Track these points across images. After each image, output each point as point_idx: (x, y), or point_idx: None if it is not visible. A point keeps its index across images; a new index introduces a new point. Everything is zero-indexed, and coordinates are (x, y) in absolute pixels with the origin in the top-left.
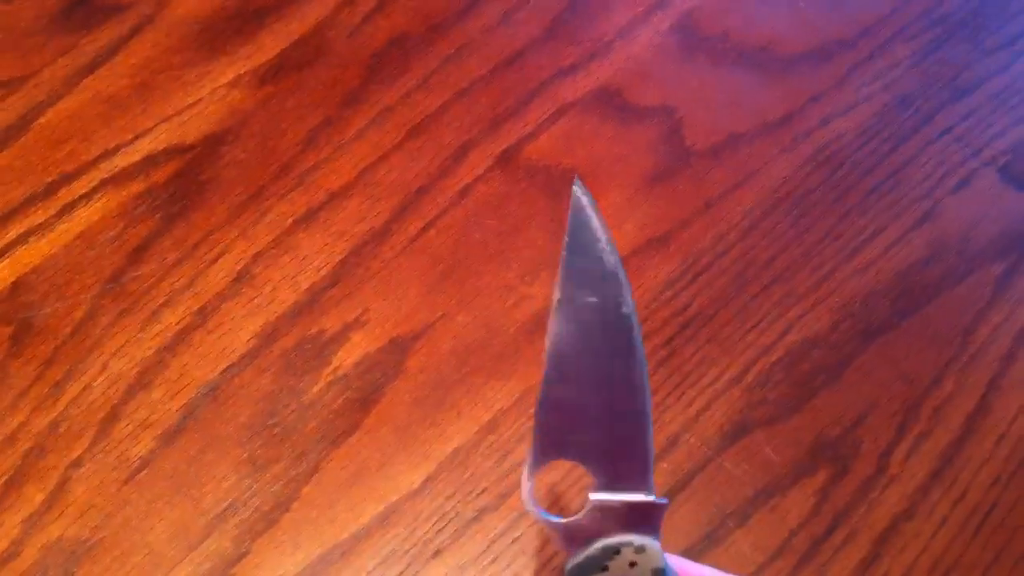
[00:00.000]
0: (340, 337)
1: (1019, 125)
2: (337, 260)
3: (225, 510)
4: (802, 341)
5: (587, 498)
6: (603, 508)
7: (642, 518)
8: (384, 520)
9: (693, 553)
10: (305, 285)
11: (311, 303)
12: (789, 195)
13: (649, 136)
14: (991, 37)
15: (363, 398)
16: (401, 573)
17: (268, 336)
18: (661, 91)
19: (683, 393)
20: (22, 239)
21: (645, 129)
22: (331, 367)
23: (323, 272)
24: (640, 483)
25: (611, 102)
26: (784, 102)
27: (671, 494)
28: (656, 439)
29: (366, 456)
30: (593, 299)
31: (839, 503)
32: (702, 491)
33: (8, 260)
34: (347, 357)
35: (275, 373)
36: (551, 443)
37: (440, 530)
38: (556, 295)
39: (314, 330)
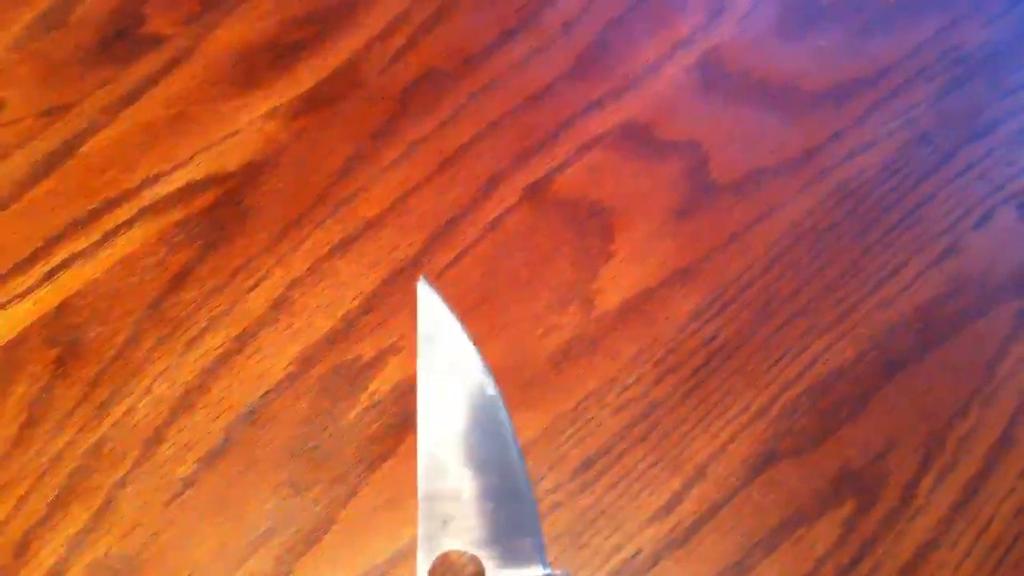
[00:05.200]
0: (376, 363)
1: None
2: (372, 288)
3: (266, 531)
4: (827, 373)
5: None
6: None
7: None
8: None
9: None
10: (341, 312)
11: (347, 330)
12: (812, 229)
13: (674, 171)
14: (1010, 77)
15: (399, 423)
16: None
17: (306, 362)
18: (686, 127)
19: (710, 424)
20: (66, 264)
21: (670, 164)
22: (367, 392)
23: (358, 300)
24: (533, 558)
25: (637, 137)
26: (807, 138)
27: (699, 524)
28: (683, 469)
29: (402, 480)
30: (457, 387)
31: (865, 533)
32: (729, 521)
33: (53, 284)
34: (383, 383)
35: (313, 398)
36: (436, 533)
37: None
38: (418, 388)
39: (350, 356)
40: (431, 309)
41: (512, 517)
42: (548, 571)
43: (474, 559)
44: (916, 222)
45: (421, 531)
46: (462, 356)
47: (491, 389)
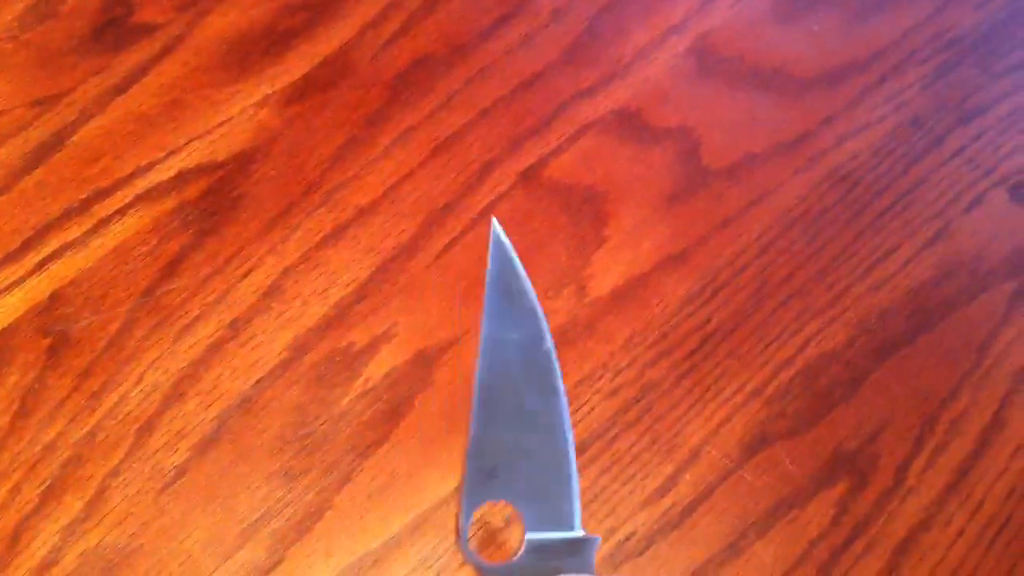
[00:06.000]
0: (369, 350)
1: None
2: (365, 275)
3: (259, 519)
4: (819, 356)
5: (523, 538)
6: (540, 547)
7: (577, 554)
8: (414, 529)
9: (715, 564)
10: (334, 299)
11: (340, 317)
12: (805, 214)
13: (667, 156)
14: (1000, 61)
15: (392, 410)
16: None
17: (299, 349)
18: (678, 112)
19: (703, 407)
20: (58, 253)
21: (663, 149)
22: (361, 379)
23: (351, 287)
24: (571, 519)
25: (630, 122)
26: (799, 123)
27: (693, 506)
28: (679, 451)
29: (396, 466)
30: (515, 336)
31: (858, 514)
32: (723, 503)
33: (45, 274)
34: (376, 370)
35: (306, 385)
36: (482, 483)
37: (469, 538)
38: (482, 331)
39: (343, 343)
40: (501, 252)
41: (555, 477)
42: (584, 533)
43: (515, 513)
44: (908, 206)
45: (467, 479)
46: (525, 305)
47: (548, 343)
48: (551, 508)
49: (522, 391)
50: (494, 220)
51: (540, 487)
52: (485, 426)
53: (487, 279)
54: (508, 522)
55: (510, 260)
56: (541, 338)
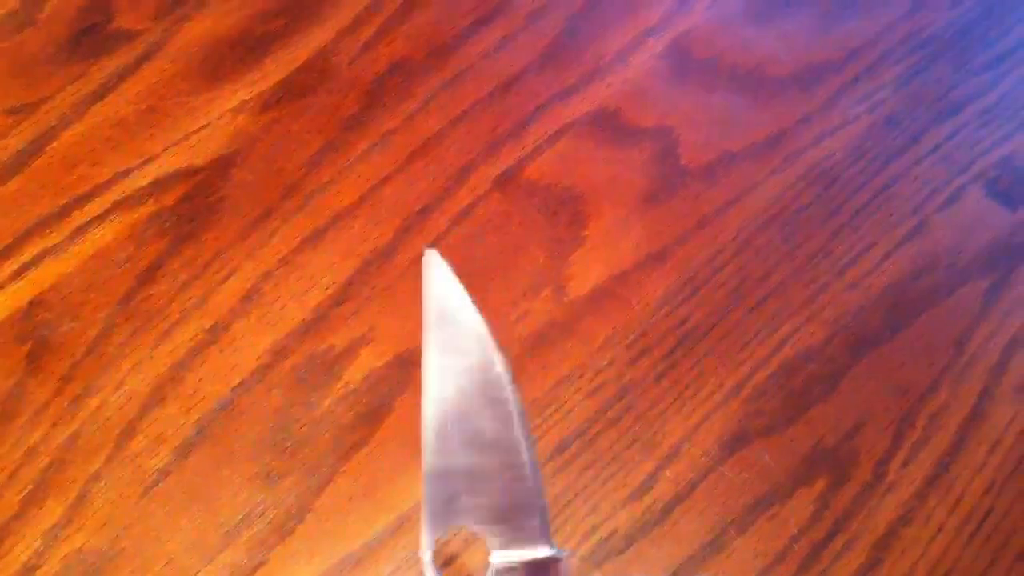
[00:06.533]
0: (348, 353)
1: (1004, 143)
2: (344, 279)
3: (241, 522)
4: (797, 354)
5: (487, 562)
6: (505, 570)
7: (546, 572)
8: (395, 530)
9: (696, 561)
10: (313, 303)
11: (319, 320)
12: (781, 212)
13: (644, 156)
14: (975, 59)
15: (372, 412)
16: None
17: (278, 353)
18: (656, 113)
19: (683, 405)
20: (37, 260)
21: (641, 149)
22: (341, 382)
23: (330, 290)
24: (539, 537)
25: (607, 124)
26: (775, 123)
27: (673, 503)
28: (658, 449)
29: (376, 468)
30: (464, 363)
31: (838, 510)
32: (703, 500)
33: (24, 280)
34: (356, 373)
35: (286, 389)
36: (442, 511)
37: (449, 540)
38: (423, 363)
39: (323, 347)
40: (438, 279)
41: (518, 496)
42: (554, 551)
43: (480, 538)
44: (884, 203)
45: (426, 509)
46: (470, 329)
47: (499, 365)
48: (517, 528)
49: (476, 417)
50: (428, 251)
51: (503, 510)
52: (440, 455)
53: (424, 312)
54: (471, 546)
55: (451, 286)
56: (491, 363)
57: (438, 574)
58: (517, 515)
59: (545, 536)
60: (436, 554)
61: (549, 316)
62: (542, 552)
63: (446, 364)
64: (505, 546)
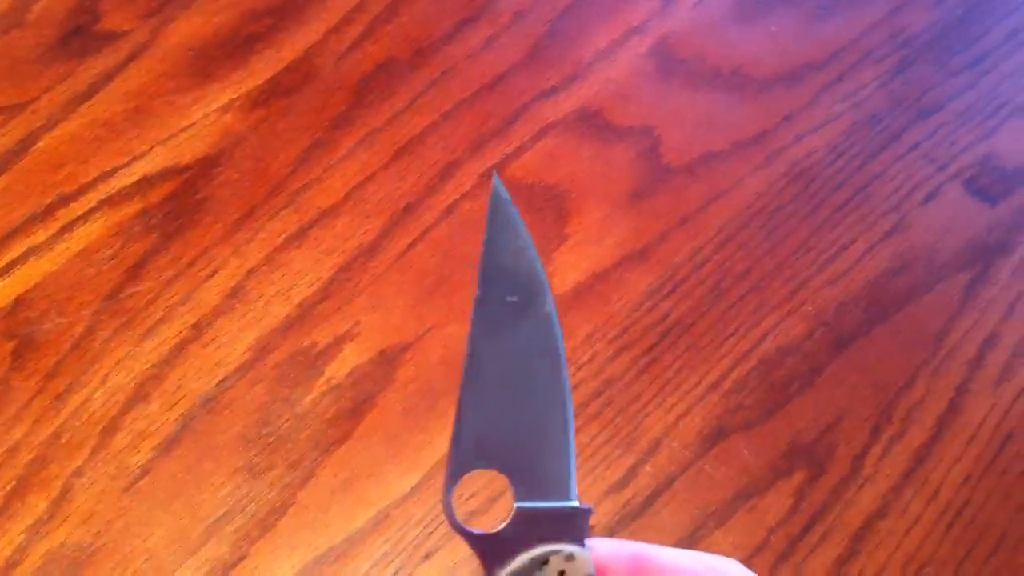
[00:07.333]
0: (332, 349)
1: (983, 141)
2: (328, 275)
3: (222, 516)
4: (777, 349)
5: (511, 507)
6: (528, 517)
7: (568, 525)
8: (377, 524)
9: None
10: (297, 300)
11: (303, 317)
12: (763, 210)
13: (628, 154)
14: (954, 59)
15: (355, 408)
16: (394, 575)
17: (262, 349)
18: (639, 111)
19: (664, 399)
20: (23, 258)
21: (624, 148)
22: (324, 378)
23: (314, 287)
24: (563, 490)
25: (591, 122)
26: (757, 121)
27: (653, 497)
28: (639, 443)
29: (358, 463)
30: (513, 299)
31: (815, 503)
32: (683, 493)
33: (10, 278)
34: (339, 368)
35: (269, 384)
36: (470, 451)
37: (430, 533)
38: (475, 294)
39: (306, 343)
40: (501, 209)
41: (550, 445)
42: (577, 504)
43: (503, 483)
44: (864, 200)
45: (454, 446)
46: (523, 265)
47: (548, 305)
48: (544, 477)
49: (517, 356)
50: (495, 176)
51: (533, 456)
52: (475, 392)
53: (484, 238)
54: (496, 491)
55: (510, 217)
56: (542, 300)
57: (459, 520)
58: (547, 464)
59: (572, 489)
60: (458, 498)
61: None
62: (568, 504)
63: (496, 298)
64: (529, 494)
